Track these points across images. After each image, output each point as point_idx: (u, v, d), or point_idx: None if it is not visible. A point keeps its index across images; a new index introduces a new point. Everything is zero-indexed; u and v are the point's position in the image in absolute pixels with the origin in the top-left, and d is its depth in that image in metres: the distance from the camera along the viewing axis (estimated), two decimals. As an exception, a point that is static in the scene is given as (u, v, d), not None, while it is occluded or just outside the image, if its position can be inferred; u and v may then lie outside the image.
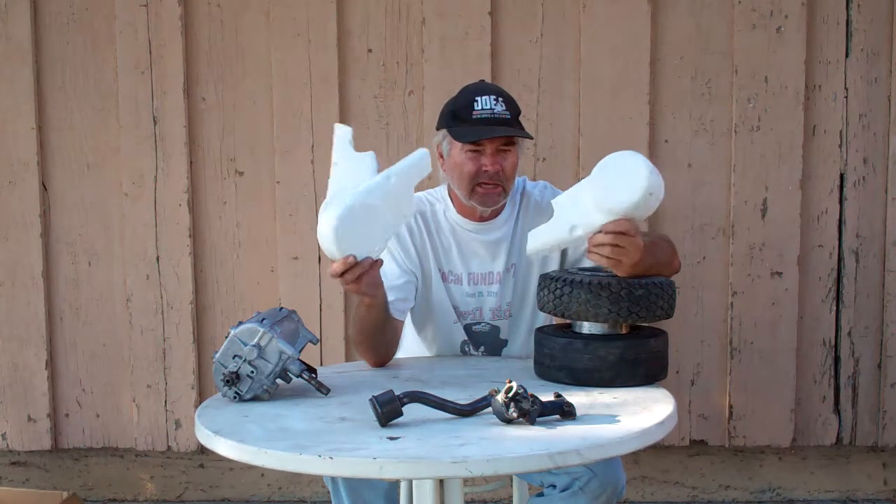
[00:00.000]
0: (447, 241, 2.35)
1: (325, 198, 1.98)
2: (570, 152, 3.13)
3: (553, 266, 2.35)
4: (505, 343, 2.40)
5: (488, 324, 2.37)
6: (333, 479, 2.14)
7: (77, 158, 3.21)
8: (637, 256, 1.93)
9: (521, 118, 2.29)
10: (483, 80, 2.45)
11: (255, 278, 3.21)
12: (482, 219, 2.33)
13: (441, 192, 2.40)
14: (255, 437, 1.64)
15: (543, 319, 2.38)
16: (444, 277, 2.35)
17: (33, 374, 3.25)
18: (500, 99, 2.21)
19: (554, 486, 2.04)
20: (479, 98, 2.20)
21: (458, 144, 2.23)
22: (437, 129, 2.32)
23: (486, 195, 2.24)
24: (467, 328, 2.38)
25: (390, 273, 2.23)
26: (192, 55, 3.16)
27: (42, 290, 3.22)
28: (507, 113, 2.21)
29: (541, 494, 2.12)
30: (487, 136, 2.18)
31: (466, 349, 2.40)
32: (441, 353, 2.41)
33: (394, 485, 2.23)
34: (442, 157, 2.31)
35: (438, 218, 2.36)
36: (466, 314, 2.37)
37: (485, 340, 2.39)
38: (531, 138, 2.31)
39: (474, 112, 2.19)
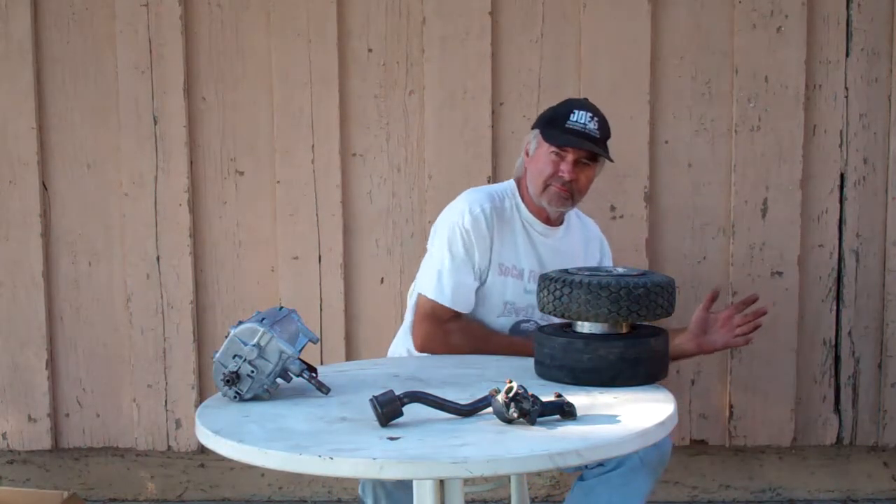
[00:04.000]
0: (515, 235, 2.44)
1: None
2: (570, 152, 3.12)
3: None
4: None
5: (536, 322, 2.41)
6: (374, 492, 2.16)
7: (77, 158, 3.21)
8: None
9: (608, 142, 2.42)
10: (587, 99, 2.54)
11: (255, 278, 3.21)
12: (549, 221, 2.45)
13: (510, 187, 2.50)
14: (255, 437, 1.64)
15: None
16: (501, 271, 2.41)
17: (33, 374, 3.25)
18: (596, 119, 2.38)
19: (602, 465, 2.06)
20: (576, 111, 2.37)
21: (546, 145, 2.38)
22: (532, 128, 2.47)
23: (556, 194, 2.37)
24: (516, 324, 2.43)
25: (470, 281, 2.36)
26: (192, 55, 3.16)
27: (42, 290, 3.22)
28: (598, 133, 2.36)
29: (582, 478, 2.12)
30: (573, 145, 2.33)
31: None
32: None
33: None
34: (528, 154, 2.46)
35: (509, 213, 2.45)
36: (520, 309, 2.42)
37: None
38: (612, 161, 2.43)
39: (569, 122, 2.36)
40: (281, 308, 2.05)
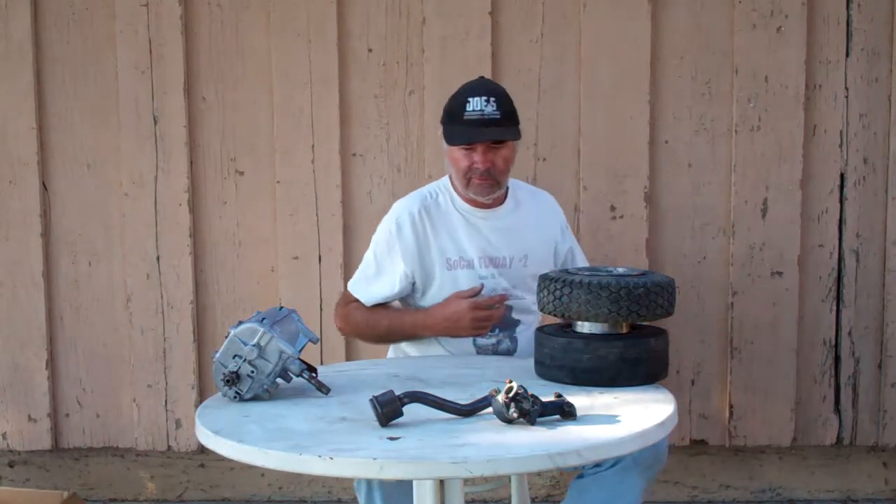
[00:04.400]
0: (457, 228, 2.45)
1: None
2: (570, 152, 3.12)
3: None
4: (518, 323, 2.47)
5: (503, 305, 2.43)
6: (369, 487, 2.16)
7: (77, 158, 3.21)
8: None
9: (518, 116, 2.42)
10: (482, 77, 2.57)
11: (255, 278, 3.21)
12: (487, 206, 2.46)
13: (445, 182, 2.52)
14: (255, 437, 1.65)
15: None
16: (449, 265, 2.43)
17: (33, 374, 3.25)
18: (493, 99, 2.34)
19: (598, 465, 2.06)
20: (471, 99, 2.35)
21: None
22: (441, 122, 2.46)
23: (479, 185, 2.38)
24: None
25: (384, 292, 2.46)
26: (192, 55, 3.16)
27: (42, 290, 3.22)
28: (498, 113, 2.33)
29: (581, 476, 2.13)
30: (473, 139, 2.34)
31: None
32: (445, 343, 2.44)
33: None
34: (444, 149, 2.46)
35: (444, 208, 2.47)
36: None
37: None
38: (517, 139, 2.42)
39: (465, 113, 2.34)
40: (281, 308, 2.05)
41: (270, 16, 3.13)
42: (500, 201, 2.48)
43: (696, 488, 3.31)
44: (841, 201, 3.12)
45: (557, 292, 1.99)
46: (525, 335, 2.43)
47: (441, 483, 1.71)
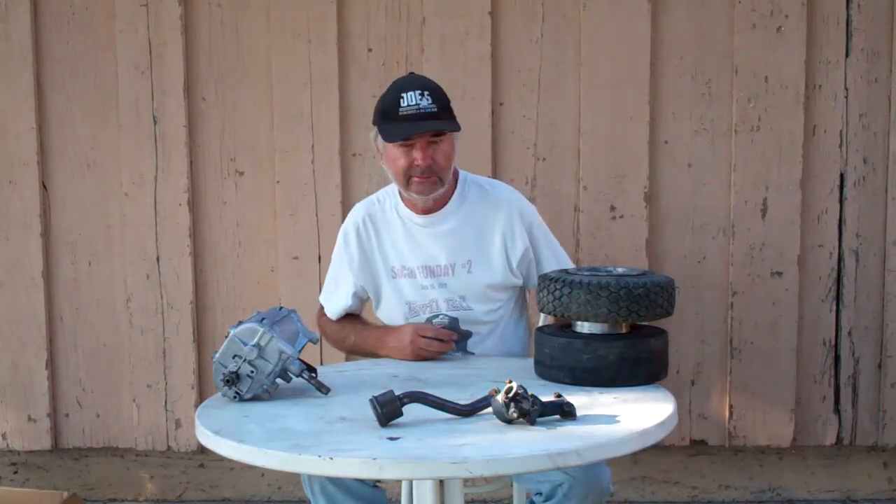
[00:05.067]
0: (398, 237, 2.41)
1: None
2: (570, 152, 3.12)
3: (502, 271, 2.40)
4: (470, 334, 2.40)
5: (446, 315, 2.39)
6: (312, 490, 2.15)
7: (77, 158, 3.21)
8: None
9: (451, 108, 2.33)
10: (412, 73, 2.52)
11: (255, 278, 3.21)
12: (428, 211, 2.39)
13: (392, 188, 2.46)
14: (255, 437, 1.65)
15: (509, 316, 2.43)
16: (393, 274, 2.41)
17: (33, 374, 3.25)
18: (426, 92, 2.26)
19: (540, 494, 2.05)
20: (404, 94, 2.25)
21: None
22: (373, 124, 2.37)
23: (421, 184, 2.30)
24: (428, 321, 2.39)
25: (343, 304, 2.47)
26: (192, 55, 3.16)
27: (42, 290, 3.21)
28: (434, 106, 2.26)
29: (532, 502, 2.12)
30: (412, 132, 2.25)
31: None
32: None
33: (380, 494, 2.23)
34: (380, 152, 2.37)
35: (388, 216, 2.44)
36: (424, 307, 2.39)
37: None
38: (457, 130, 2.32)
39: (401, 109, 2.25)
40: (281, 308, 2.05)
41: (270, 16, 3.13)
42: (444, 203, 2.38)
43: (696, 488, 3.31)
44: (841, 201, 3.12)
45: (557, 292, 1.99)
46: (483, 346, 2.39)
47: (441, 483, 1.71)
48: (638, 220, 3.11)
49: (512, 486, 2.36)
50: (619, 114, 3.10)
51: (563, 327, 2.09)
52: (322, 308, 2.56)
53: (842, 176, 3.12)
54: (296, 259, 3.18)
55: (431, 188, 2.30)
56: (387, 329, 2.39)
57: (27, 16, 3.14)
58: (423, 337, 2.28)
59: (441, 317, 2.38)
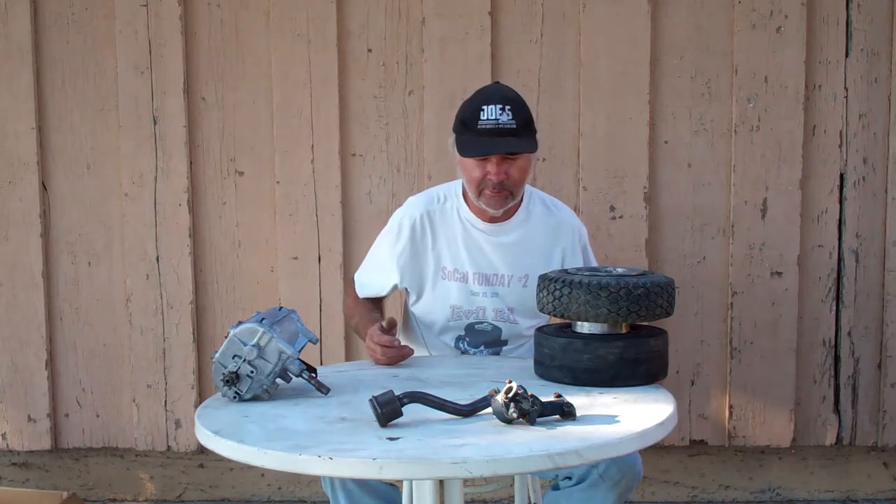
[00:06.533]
0: (457, 239, 2.38)
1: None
2: (570, 152, 3.13)
3: None
4: (505, 343, 2.41)
5: (491, 324, 2.39)
6: (332, 487, 2.15)
7: (77, 158, 3.21)
8: None
9: (531, 124, 2.30)
10: (497, 83, 2.47)
11: (255, 278, 3.21)
12: (494, 220, 2.36)
13: (456, 187, 2.43)
14: (255, 437, 1.65)
15: None
16: (444, 275, 2.38)
17: (33, 374, 3.25)
18: (508, 107, 2.22)
19: (570, 478, 2.06)
20: (485, 107, 2.22)
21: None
22: (452, 131, 2.35)
23: (492, 198, 2.28)
24: (469, 326, 2.39)
25: (373, 289, 2.47)
26: (192, 55, 3.16)
27: (42, 290, 3.22)
28: (513, 122, 2.21)
29: (556, 487, 2.12)
30: (488, 152, 2.22)
31: (461, 346, 2.41)
32: (431, 348, 2.43)
33: (395, 492, 2.24)
34: (455, 157, 2.34)
35: (448, 216, 2.40)
36: (470, 312, 2.38)
37: (486, 339, 2.40)
38: (533, 150, 2.30)
39: (480, 122, 2.22)
40: (280, 308, 2.05)
41: (270, 16, 3.13)
42: (510, 214, 2.37)
43: (696, 488, 3.31)
44: (841, 201, 3.12)
45: (557, 292, 1.99)
46: (511, 355, 2.40)
47: (441, 483, 1.71)
48: (638, 220, 3.11)
49: (512, 486, 2.36)
50: (618, 114, 3.10)
51: (563, 327, 2.09)
52: (350, 282, 2.60)
53: (842, 176, 3.12)
54: (295, 259, 3.18)
55: (503, 202, 2.29)
56: (369, 329, 2.32)
57: (27, 16, 3.14)
58: (372, 342, 2.22)
59: (485, 324, 2.38)
